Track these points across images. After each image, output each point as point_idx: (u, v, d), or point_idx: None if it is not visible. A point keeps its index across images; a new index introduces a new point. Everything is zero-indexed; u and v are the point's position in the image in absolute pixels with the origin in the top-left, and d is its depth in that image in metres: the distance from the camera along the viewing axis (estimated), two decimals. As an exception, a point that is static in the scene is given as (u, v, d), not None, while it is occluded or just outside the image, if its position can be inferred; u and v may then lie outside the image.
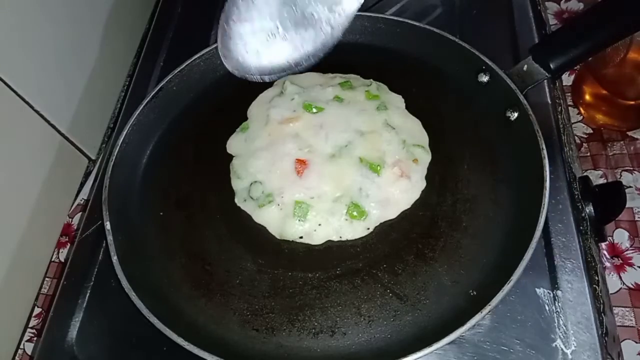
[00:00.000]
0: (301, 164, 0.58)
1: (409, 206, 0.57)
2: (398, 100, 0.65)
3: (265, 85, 0.68)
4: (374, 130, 0.61)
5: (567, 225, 0.55)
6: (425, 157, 0.60)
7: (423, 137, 0.62)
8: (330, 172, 0.58)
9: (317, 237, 0.56)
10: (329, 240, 0.56)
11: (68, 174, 0.84)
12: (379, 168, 0.57)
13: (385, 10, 0.76)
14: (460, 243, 0.54)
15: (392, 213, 0.56)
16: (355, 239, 0.55)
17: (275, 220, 0.57)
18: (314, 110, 0.62)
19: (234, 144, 0.64)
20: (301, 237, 0.56)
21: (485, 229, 0.54)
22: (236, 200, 0.60)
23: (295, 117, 0.62)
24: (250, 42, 0.66)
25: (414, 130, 0.62)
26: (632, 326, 0.64)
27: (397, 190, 0.57)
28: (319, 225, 0.56)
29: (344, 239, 0.56)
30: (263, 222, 0.57)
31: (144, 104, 0.66)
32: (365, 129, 0.61)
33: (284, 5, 0.64)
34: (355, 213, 0.55)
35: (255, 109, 0.67)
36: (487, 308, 0.45)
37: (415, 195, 0.57)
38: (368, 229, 0.56)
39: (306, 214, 0.56)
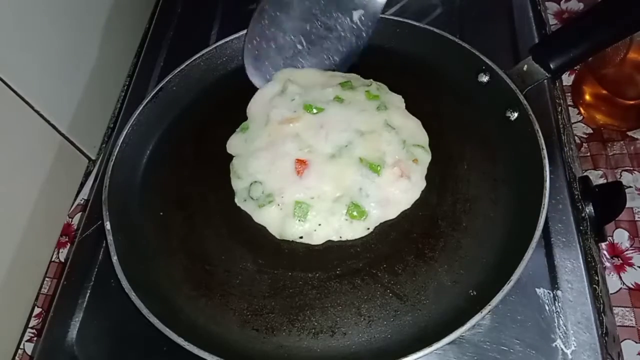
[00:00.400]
0: (301, 164, 0.58)
1: (409, 206, 0.57)
2: (398, 100, 0.65)
3: (254, 94, 0.68)
4: (374, 131, 0.60)
5: (567, 225, 0.54)
6: (425, 157, 0.60)
7: (423, 137, 0.62)
8: (330, 172, 0.58)
9: (317, 237, 0.55)
10: (329, 240, 0.56)
11: (68, 174, 0.84)
12: (379, 168, 0.57)
13: (385, 10, 0.76)
14: (460, 243, 0.54)
15: (392, 213, 0.56)
16: (355, 239, 0.55)
17: (275, 220, 0.57)
18: (315, 110, 0.62)
19: (233, 144, 0.64)
20: (301, 237, 0.56)
21: (485, 229, 0.54)
22: (236, 200, 0.60)
23: (296, 117, 0.62)
24: (275, 59, 0.67)
25: (414, 130, 0.62)
26: (632, 326, 0.64)
27: (397, 190, 0.57)
28: (319, 225, 0.56)
29: (344, 239, 0.55)
30: (263, 222, 0.57)
31: (144, 104, 0.66)
32: (366, 129, 0.61)
33: (306, 21, 0.65)
34: (355, 213, 0.55)
35: (254, 108, 0.66)
36: (487, 308, 0.45)
37: (415, 195, 0.57)
38: (368, 229, 0.56)
39: (306, 214, 0.56)
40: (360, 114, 0.62)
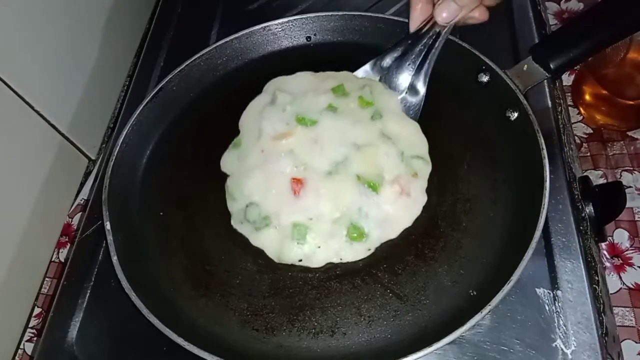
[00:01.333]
0: (297, 183, 0.57)
1: (410, 224, 0.55)
2: (394, 103, 0.63)
3: (254, 94, 0.67)
4: (370, 143, 0.59)
5: (567, 225, 0.54)
6: (426, 169, 0.58)
7: (422, 145, 0.60)
8: (327, 191, 0.56)
9: (316, 260, 0.54)
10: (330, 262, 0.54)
11: (68, 174, 0.84)
12: (377, 186, 0.56)
13: (385, 10, 0.76)
14: (460, 243, 0.54)
15: (394, 232, 0.55)
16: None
17: (273, 242, 0.55)
18: (308, 123, 0.60)
19: (227, 162, 0.62)
20: (300, 260, 0.54)
21: (485, 229, 0.54)
22: (232, 223, 0.58)
23: (289, 132, 0.60)
24: None
25: (412, 138, 0.60)
26: (632, 326, 0.64)
27: (397, 209, 0.55)
28: (319, 247, 0.54)
29: (344, 260, 0.54)
30: (261, 246, 0.56)
31: (144, 104, 0.66)
32: (361, 141, 0.59)
33: None
34: (355, 235, 0.54)
35: (246, 121, 0.65)
36: (487, 308, 0.45)
37: (417, 211, 0.56)
38: (369, 249, 0.54)
39: (305, 236, 0.54)
40: (355, 126, 0.60)
